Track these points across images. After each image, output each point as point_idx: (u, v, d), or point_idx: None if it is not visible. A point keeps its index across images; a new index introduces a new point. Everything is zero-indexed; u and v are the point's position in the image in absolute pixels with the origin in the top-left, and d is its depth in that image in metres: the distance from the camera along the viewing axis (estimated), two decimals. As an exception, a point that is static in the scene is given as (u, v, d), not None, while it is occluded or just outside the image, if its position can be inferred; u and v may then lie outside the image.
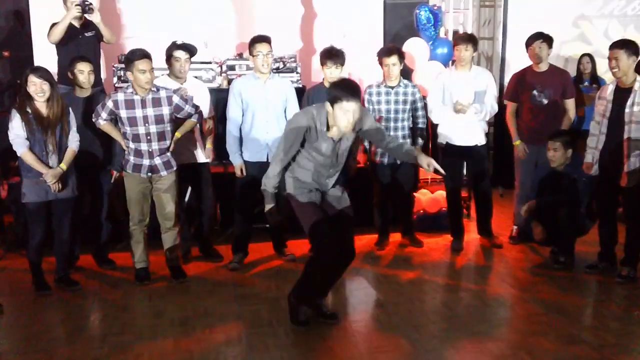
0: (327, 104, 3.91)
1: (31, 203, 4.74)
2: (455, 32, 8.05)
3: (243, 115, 5.34)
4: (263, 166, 5.31)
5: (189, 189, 5.64)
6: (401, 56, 5.71)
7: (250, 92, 5.30)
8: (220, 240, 5.90)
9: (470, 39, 5.74)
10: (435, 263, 5.63)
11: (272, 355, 3.88)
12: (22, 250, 5.53)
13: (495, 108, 5.87)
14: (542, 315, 4.45)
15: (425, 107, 5.92)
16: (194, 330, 4.26)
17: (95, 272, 5.42)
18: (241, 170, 5.39)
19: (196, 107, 5.09)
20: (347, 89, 3.88)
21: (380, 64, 5.76)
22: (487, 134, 5.95)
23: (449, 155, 5.91)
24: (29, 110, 4.62)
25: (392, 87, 5.72)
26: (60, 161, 4.75)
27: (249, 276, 5.30)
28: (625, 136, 4.83)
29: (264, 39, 5.26)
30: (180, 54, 5.27)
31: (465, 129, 5.76)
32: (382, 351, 3.94)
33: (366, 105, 5.77)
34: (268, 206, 4.20)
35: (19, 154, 4.66)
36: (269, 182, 4.16)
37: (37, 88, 4.60)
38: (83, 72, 5.14)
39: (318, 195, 4.24)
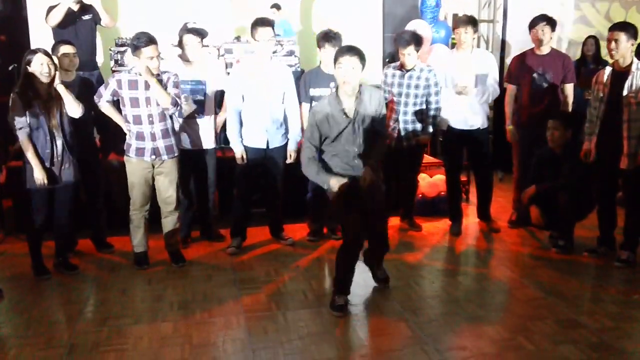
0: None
1: (34, 188, 4.72)
2: (455, 15, 8.03)
3: (243, 101, 5.31)
4: (262, 153, 5.34)
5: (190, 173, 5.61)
6: (418, 44, 5.63)
7: (250, 78, 5.26)
8: (219, 225, 5.88)
9: (470, 21, 5.67)
10: (434, 247, 5.63)
11: (270, 338, 3.89)
12: (21, 235, 5.53)
13: (498, 91, 5.84)
14: (541, 300, 4.46)
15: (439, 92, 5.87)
16: (193, 314, 4.27)
17: (94, 257, 5.42)
18: (242, 157, 5.38)
19: (181, 95, 4.97)
20: (342, 47, 4.22)
21: (397, 50, 5.71)
22: (489, 118, 5.91)
23: (450, 139, 5.91)
24: (31, 94, 4.59)
25: (407, 71, 5.68)
26: (64, 143, 4.73)
27: (248, 260, 5.31)
28: (625, 117, 4.81)
29: (268, 23, 5.19)
30: (189, 38, 5.20)
31: (467, 113, 5.73)
32: (381, 335, 3.95)
33: (382, 86, 5.79)
34: (330, 183, 4.20)
35: (20, 140, 4.64)
36: (308, 170, 4.29)
37: (45, 68, 4.57)
38: (68, 55, 5.08)
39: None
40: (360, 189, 4.18)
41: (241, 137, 5.36)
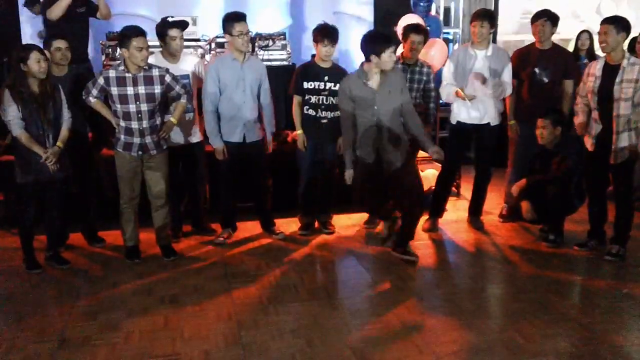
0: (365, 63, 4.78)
1: (26, 182, 4.71)
2: (446, 10, 8.04)
3: (220, 95, 5.30)
4: (240, 147, 5.35)
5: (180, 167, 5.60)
6: (427, 36, 5.68)
7: (227, 72, 5.24)
8: (210, 219, 5.88)
9: (487, 15, 5.55)
10: (424, 241, 5.64)
11: (261, 332, 3.90)
12: (13, 229, 5.51)
13: (509, 90, 5.72)
14: (531, 293, 4.48)
15: (436, 88, 5.88)
16: (184, 307, 4.27)
17: (85, 250, 5.41)
18: (223, 152, 5.37)
19: (185, 87, 5.04)
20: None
21: (404, 39, 5.70)
22: (501, 115, 5.82)
23: (457, 135, 5.83)
24: (22, 89, 4.57)
25: (409, 66, 5.71)
26: (55, 139, 4.72)
27: (239, 254, 5.31)
28: (615, 113, 4.82)
29: (243, 18, 5.18)
30: (175, 32, 5.15)
31: (479, 108, 5.62)
32: (371, 328, 3.97)
33: None
34: (347, 172, 4.96)
35: (15, 135, 4.62)
36: (345, 136, 4.97)
37: (42, 64, 4.56)
38: (61, 49, 5.05)
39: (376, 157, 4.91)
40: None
41: (220, 132, 5.36)
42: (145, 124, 4.86)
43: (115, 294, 4.52)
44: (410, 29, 5.71)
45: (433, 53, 6.80)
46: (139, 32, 4.71)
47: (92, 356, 3.63)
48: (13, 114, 4.55)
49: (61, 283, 4.74)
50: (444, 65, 6.00)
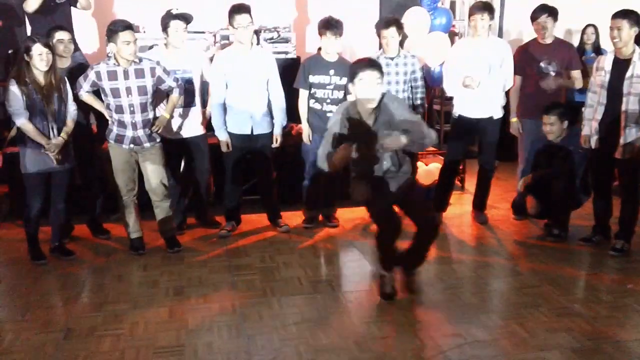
0: (349, 85, 4.04)
1: (31, 174, 4.73)
2: (452, 3, 8.00)
3: (226, 88, 5.31)
4: (247, 138, 5.35)
5: (183, 161, 5.60)
6: (399, 27, 5.60)
7: (232, 64, 5.26)
8: (214, 211, 5.89)
9: (486, 8, 5.51)
10: (429, 235, 5.63)
11: (265, 324, 3.91)
12: (18, 220, 5.53)
13: (511, 82, 5.72)
14: (535, 287, 4.48)
15: (424, 79, 5.84)
16: (188, 299, 4.28)
17: (90, 242, 5.44)
18: (227, 145, 5.39)
19: (177, 81, 5.03)
20: (361, 62, 4.01)
21: (379, 35, 5.67)
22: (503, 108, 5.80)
23: (460, 128, 5.81)
24: (28, 80, 4.58)
25: (392, 58, 5.65)
26: (59, 130, 4.73)
27: (243, 246, 5.32)
28: (623, 108, 4.79)
29: (244, 10, 5.19)
30: (177, 24, 5.15)
31: (482, 101, 5.60)
32: (374, 321, 3.97)
33: None
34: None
35: (18, 125, 4.64)
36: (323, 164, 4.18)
37: (44, 57, 4.57)
38: (63, 41, 5.08)
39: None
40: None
41: (225, 124, 5.37)
42: (137, 117, 4.87)
43: (119, 286, 4.54)
44: (380, 24, 5.63)
45: (431, 47, 6.78)
46: (126, 26, 4.73)
47: (96, 347, 3.65)
48: (18, 105, 4.57)
49: (66, 274, 4.76)
50: (443, 60, 5.99)
